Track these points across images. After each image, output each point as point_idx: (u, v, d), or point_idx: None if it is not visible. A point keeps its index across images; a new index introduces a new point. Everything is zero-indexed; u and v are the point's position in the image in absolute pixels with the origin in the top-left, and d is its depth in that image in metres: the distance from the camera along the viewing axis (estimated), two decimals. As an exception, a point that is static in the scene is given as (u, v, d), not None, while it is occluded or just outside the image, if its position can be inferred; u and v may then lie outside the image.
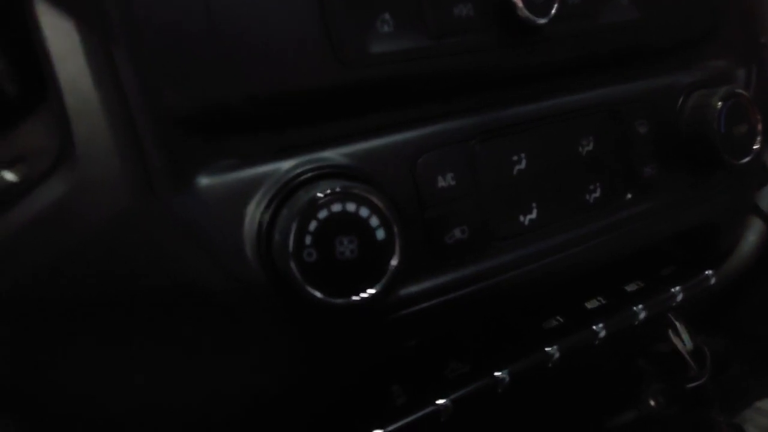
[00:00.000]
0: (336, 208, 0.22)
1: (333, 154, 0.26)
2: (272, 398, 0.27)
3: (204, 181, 0.23)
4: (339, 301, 0.22)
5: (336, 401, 0.30)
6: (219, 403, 0.25)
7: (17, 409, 0.24)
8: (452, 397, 0.31)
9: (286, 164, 0.25)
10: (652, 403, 0.44)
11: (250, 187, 0.24)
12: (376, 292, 0.22)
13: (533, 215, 0.31)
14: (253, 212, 0.24)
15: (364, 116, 0.28)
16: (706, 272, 0.43)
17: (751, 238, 0.49)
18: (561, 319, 0.39)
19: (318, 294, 0.22)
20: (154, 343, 0.23)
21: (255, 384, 0.26)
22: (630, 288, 0.42)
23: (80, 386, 0.23)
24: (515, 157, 0.31)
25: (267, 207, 0.24)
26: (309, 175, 0.24)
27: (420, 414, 0.30)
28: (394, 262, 0.22)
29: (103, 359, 0.22)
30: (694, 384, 0.41)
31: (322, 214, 0.22)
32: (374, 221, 0.23)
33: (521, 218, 0.31)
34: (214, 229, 0.23)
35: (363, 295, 0.22)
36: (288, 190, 0.24)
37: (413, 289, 0.27)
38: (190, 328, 0.23)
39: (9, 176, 0.21)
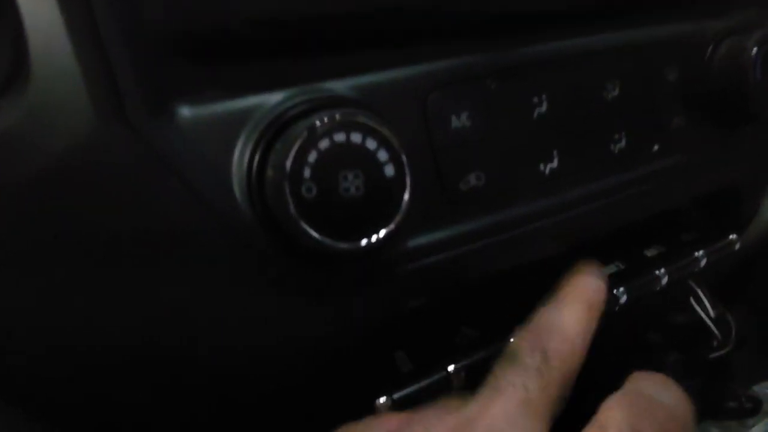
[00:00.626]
0: (339, 137, 0.19)
1: (334, 86, 0.23)
2: (262, 360, 0.25)
3: (186, 111, 0.20)
4: (343, 245, 0.19)
5: (335, 366, 0.27)
6: (201, 362, 0.22)
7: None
8: (464, 362, 0.28)
9: (280, 95, 0.22)
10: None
11: (240, 120, 0.21)
12: (386, 234, 0.19)
13: (554, 164, 0.28)
14: (243, 148, 0.21)
15: (370, 49, 0.24)
16: (731, 236, 0.40)
17: (773, 204, 0.47)
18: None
19: (318, 236, 0.19)
20: (125, 294, 0.20)
21: (243, 343, 0.23)
22: (650, 253, 0.40)
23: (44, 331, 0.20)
24: (535, 99, 0.28)
25: (258, 141, 0.20)
26: (307, 106, 0.21)
27: (430, 380, 0.27)
28: (405, 198, 0.20)
29: (66, 307, 0.20)
30: (717, 354, 0.38)
31: (323, 143, 0.19)
32: (382, 155, 0.20)
33: (541, 167, 0.28)
34: (197, 166, 0.20)
35: (373, 237, 0.19)
36: (283, 121, 0.21)
37: (423, 240, 0.24)
38: (168, 274, 0.20)
39: (-44, 97, 0.19)
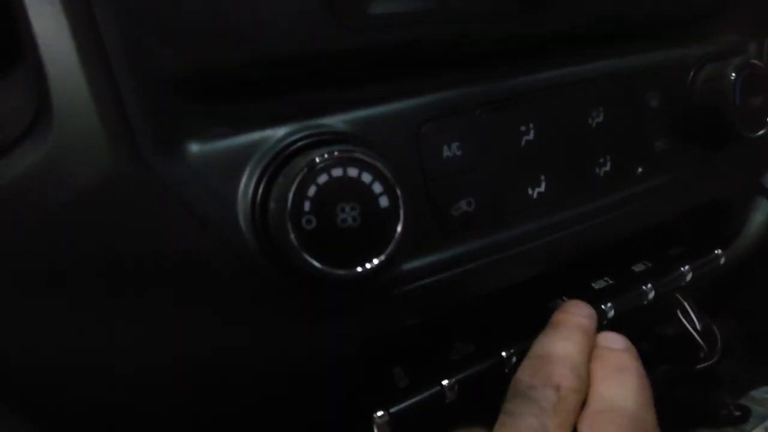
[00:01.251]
0: (336, 172, 0.21)
1: (332, 121, 0.25)
2: (266, 378, 0.26)
3: (194, 147, 0.22)
4: (340, 272, 0.20)
5: (335, 383, 0.29)
6: (208, 381, 0.23)
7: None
8: (458, 377, 0.30)
9: (282, 131, 0.23)
10: (658, 384, 0.43)
11: (244, 155, 0.22)
12: (380, 262, 0.20)
13: (542, 188, 0.30)
14: (247, 181, 0.22)
15: (365, 84, 0.26)
16: (716, 251, 0.42)
17: (758, 218, 0.49)
18: (567, 299, 0.38)
19: (317, 264, 0.20)
20: (139, 316, 0.21)
21: (248, 363, 0.25)
22: (638, 268, 0.41)
23: (61, 355, 0.21)
24: (523, 128, 0.29)
25: (262, 175, 0.22)
26: (306, 141, 0.22)
27: (425, 395, 0.29)
28: (399, 229, 0.21)
29: (84, 329, 0.21)
30: (704, 365, 0.40)
31: (322, 178, 0.20)
32: (377, 188, 0.22)
33: (529, 191, 0.30)
34: (205, 198, 0.22)
35: (367, 265, 0.20)
36: (284, 157, 0.22)
37: (417, 263, 0.26)
38: (179, 299, 0.21)
39: (-18, 140, 0.20)
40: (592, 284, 0.40)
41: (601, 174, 0.33)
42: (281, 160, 0.22)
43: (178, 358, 0.24)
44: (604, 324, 0.37)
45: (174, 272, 0.21)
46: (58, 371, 0.23)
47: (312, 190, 0.20)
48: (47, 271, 0.20)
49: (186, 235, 0.21)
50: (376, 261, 0.20)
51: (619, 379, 0.27)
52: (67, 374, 0.23)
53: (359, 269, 0.20)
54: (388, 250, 0.21)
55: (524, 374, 0.27)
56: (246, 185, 0.22)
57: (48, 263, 0.20)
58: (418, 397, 0.29)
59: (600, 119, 0.32)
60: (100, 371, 0.23)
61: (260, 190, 0.22)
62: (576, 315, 0.30)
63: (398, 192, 0.22)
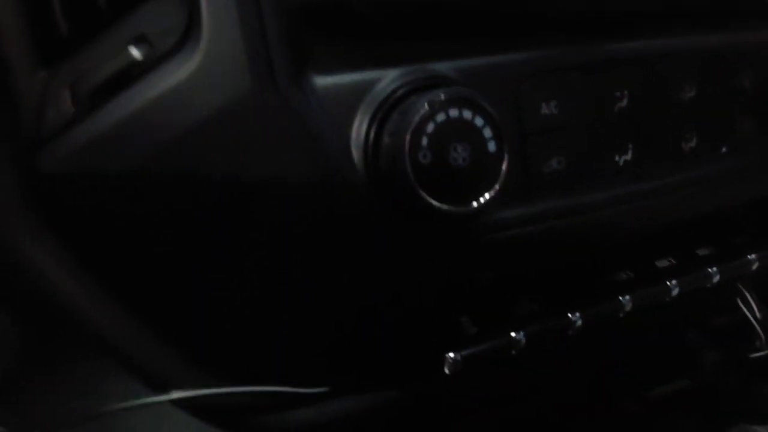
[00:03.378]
0: (453, 113, 0.22)
1: (441, 67, 0.25)
2: (353, 309, 0.28)
3: (320, 80, 0.23)
4: (451, 207, 0.22)
5: (411, 323, 0.30)
6: (293, 304, 0.25)
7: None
8: (526, 331, 0.31)
9: (397, 71, 0.24)
10: (707, 370, 0.43)
11: (362, 91, 0.24)
12: (488, 199, 0.22)
13: (628, 156, 0.30)
14: (362, 116, 0.24)
15: (474, 35, 0.27)
16: (785, 244, 0.41)
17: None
18: (631, 274, 0.38)
19: (429, 198, 0.22)
20: (251, 226, 0.23)
21: (339, 291, 0.26)
22: (702, 252, 0.41)
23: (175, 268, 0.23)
24: (617, 94, 0.29)
25: (377, 111, 0.23)
26: (422, 83, 0.24)
27: (493, 343, 0.30)
28: (503, 172, 0.22)
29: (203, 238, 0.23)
30: (759, 354, 0.40)
31: (440, 117, 0.22)
32: (487, 132, 0.23)
33: (616, 157, 0.30)
34: (325, 127, 0.23)
35: (481, 200, 0.21)
36: (400, 95, 0.23)
37: (506, 214, 0.27)
38: (291, 220, 0.23)
39: (134, 53, 0.22)
40: (656, 263, 0.40)
41: (686, 149, 0.33)
42: (397, 98, 0.23)
43: (271, 281, 0.25)
44: (666, 300, 0.37)
45: (289, 191, 0.23)
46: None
47: (430, 127, 0.22)
48: (181, 184, 0.22)
49: (304, 158, 0.23)
50: (486, 196, 0.22)
51: None
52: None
53: (474, 204, 0.21)
54: (495, 189, 0.22)
55: None
56: (361, 121, 0.24)
57: (182, 177, 0.22)
58: (487, 345, 0.30)
59: (692, 94, 0.32)
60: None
61: (374, 125, 0.23)
62: None
63: (504, 138, 0.23)
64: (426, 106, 0.22)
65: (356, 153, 0.23)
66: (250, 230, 0.24)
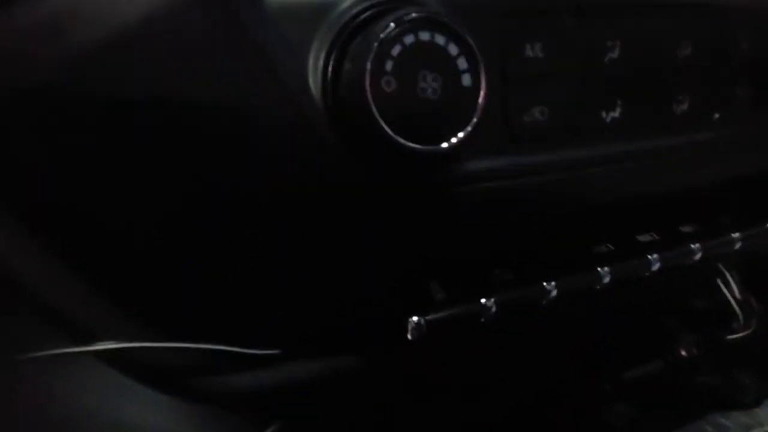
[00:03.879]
0: (424, 36, 0.19)
1: (417, -5, 0.23)
2: (309, 265, 0.25)
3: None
4: (418, 146, 0.19)
5: (373, 281, 0.28)
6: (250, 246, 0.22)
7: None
8: (497, 298, 0.29)
9: (364, -8, 0.22)
10: (684, 353, 0.42)
11: (323, 11, 0.21)
12: (460, 140, 0.19)
13: (616, 113, 0.28)
14: (322, 39, 0.21)
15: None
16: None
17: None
18: (612, 247, 0.36)
19: (393, 134, 0.19)
20: (193, 155, 0.20)
21: (293, 244, 0.24)
22: (686, 229, 0.40)
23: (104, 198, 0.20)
24: (609, 43, 0.27)
25: (339, 34, 0.21)
26: (392, 5, 0.21)
27: (461, 309, 0.28)
28: (479, 109, 0.19)
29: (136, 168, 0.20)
30: (736, 336, 0.39)
31: (408, 39, 0.19)
32: (462, 63, 0.20)
33: (603, 114, 0.28)
34: (279, 51, 0.20)
35: (453, 140, 0.19)
36: (364, 18, 0.21)
37: (482, 164, 0.24)
38: (233, 151, 0.20)
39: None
40: (638, 237, 0.39)
41: (678, 112, 0.30)
42: (362, 20, 0.20)
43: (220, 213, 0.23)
44: (646, 275, 0.36)
45: (237, 120, 0.20)
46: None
47: (396, 50, 0.19)
48: (100, 107, 0.19)
49: (255, 83, 0.20)
50: (459, 135, 0.19)
51: None
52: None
53: (444, 144, 0.19)
54: (467, 130, 0.19)
55: None
56: (320, 44, 0.21)
57: (101, 99, 0.19)
58: (454, 310, 0.28)
59: (687, 52, 0.30)
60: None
61: (335, 50, 0.20)
62: None
63: (482, 71, 0.20)
64: (393, 24, 0.19)
65: (314, 81, 0.20)
66: (194, 165, 0.21)
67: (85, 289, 0.23)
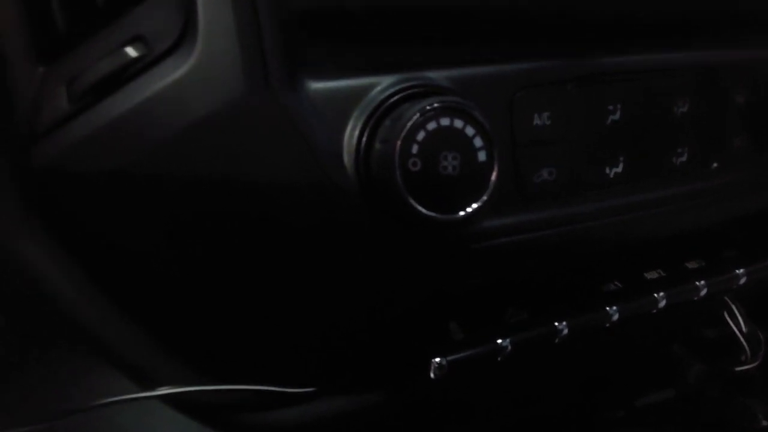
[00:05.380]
0: (444, 121, 0.22)
1: (435, 75, 0.26)
2: (342, 311, 0.28)
3: (313, 84, 0.23)
4: (440, 215, 0.22)
5: (399, 327, 0.30)
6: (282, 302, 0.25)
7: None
8: (512, 339, 0.31)
9: (390, 78, 0.24)
10: (692, 382, 0.44)
11: (355, 97, 0.24)
12: (476, 208, 0.22)
13: (619, 169, 0.31)
14: (354, 122, 0.24)
15: (469, 44, 0.27)
16: (772, 259, 0.42)
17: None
18: (619, 285, 0.38)
19: (418, 206, 0.22)
20: (243, 227, 0.23)
21: (329, 294, 0.27)
22: (691, 265, 0.42)
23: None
24: (610, 107, 0.30)
25: (369, 117, 0.24)
26: (413, 91, 0.24)
27: (479, 349, 0.30)
28: (492, 182, 0.22)
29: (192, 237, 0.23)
30: (743, 368, 0.40)
31: (431, 125, 0.22)
32: (478, 142, 0.23)
33: (607, 170, 0.30)
34: (317, 132, 0.23)
35: (468, 209, 0.22)
36: (392, 102, 0.24)
37: (495, 222, 0.27)
38: (282, 222, 0.23)
39: (131, 52, 0.22)
40: (645, 274, 0.41)
41: (677, 164, 0.33)
42: (389, 105, 0.23)
43: (260, 282, 0.26)
44: (653, 312, 0.38)
45: (281, 197, 0.23)
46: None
47: (421, 135, 0.22)
48: (175, 183, 0.22)
49: (298, 164, 0.23)
50: (474, 206, 0.22)
51: None
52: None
53: (461, 213, 0.22)
54: (483, 199, 0.22)
55: None
56: (353, 126, 0.24)
57: (176, 176, 0.22)
58: (473, 351, 0.31)
59: (684, 109, 0.32)
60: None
61: (367, 132, 0.23)
62: None
63: (495, 148, 0.23)
64: (417, 113, 0.22)
65: (348, 158, 0.24)
66: (242, 231, 0.24)
67: (149, 338, 0.26)
